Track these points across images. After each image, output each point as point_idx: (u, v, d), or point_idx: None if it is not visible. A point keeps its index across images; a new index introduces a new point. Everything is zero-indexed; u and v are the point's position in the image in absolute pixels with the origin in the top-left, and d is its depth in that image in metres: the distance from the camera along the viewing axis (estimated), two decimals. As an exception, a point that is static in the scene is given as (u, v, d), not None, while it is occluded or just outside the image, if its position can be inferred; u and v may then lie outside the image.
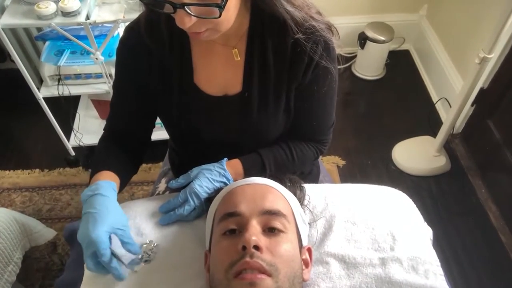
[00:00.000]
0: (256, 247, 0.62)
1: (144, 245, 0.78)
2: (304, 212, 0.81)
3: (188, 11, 0.62)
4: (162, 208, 0.83)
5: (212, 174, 0.82)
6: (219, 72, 0.84)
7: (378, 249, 0.78)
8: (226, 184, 0.82)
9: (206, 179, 0.81)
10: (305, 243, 0.75)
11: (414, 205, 0.90)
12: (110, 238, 0.72)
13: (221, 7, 0.62)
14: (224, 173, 0.83)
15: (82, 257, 0.78)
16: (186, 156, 1.06)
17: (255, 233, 0.63)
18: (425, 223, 0.89)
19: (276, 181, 0.77)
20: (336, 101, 0.92)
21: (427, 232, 0.87)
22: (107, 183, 0.78)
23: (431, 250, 0.80)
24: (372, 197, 0.89)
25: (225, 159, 0.87)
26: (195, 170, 0.84)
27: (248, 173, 0.86)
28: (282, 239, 0.66)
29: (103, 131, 0.96)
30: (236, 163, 0.87)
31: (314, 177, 1.12)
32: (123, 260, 0.73)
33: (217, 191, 0.80)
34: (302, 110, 0.87)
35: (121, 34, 1.13)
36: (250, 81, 0.82)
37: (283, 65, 0.80)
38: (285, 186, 0.78)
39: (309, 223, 0.81)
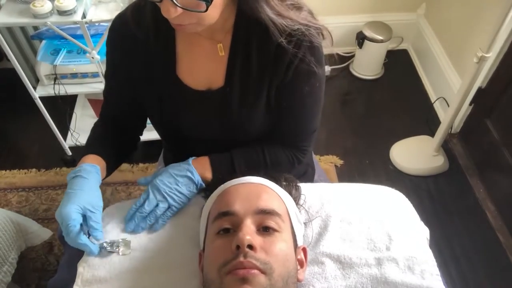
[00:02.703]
0: (250, 247, 0.61)
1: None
2: (300, 211, 0.80)
3: (175, 1, 0.62)
4: (127, 216, 0.81)
5: (175, 169, 0.83)
6: (203, 66, 0.84)
7: (374, 249, 0.78)
8: (190, 179, 0.82)
9: (168, 174, 0.82)
10: (300, 243, 0.74)
11: (411, 204, 0.90)
12: (85, 217, 0.74)
13: (208, 1, 0.62)
14: (188, 167, 0.83)
15: (75, 257, 0.77)
16: (177, 153, 1.06)
17: (249, 232, 0.63)
18: (422, 223, 0.88)
19: (272, 180, 0.77)
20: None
21: (424, 232, 0.86)
22: (91, 166, 0.80)
23: (427, 250, 0.80)
24: (368, 197, 0.89)
25: (193, 157, 0.87)
26: (162, 169, 0.85)
27: (216, 170, 0.86)
28: (276, 239, 0.65)
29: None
30: (204, 160, 0.88)
31: (308, 178, 1.11)
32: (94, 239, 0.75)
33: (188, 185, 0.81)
34: (283, 109, 0.86)
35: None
36: (232, 76, 0.82)
37: (266, 62, 0.80)
38: (281, 185, 0.78)
39: (304, 223, 0.80)
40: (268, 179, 0.77)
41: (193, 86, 0.84)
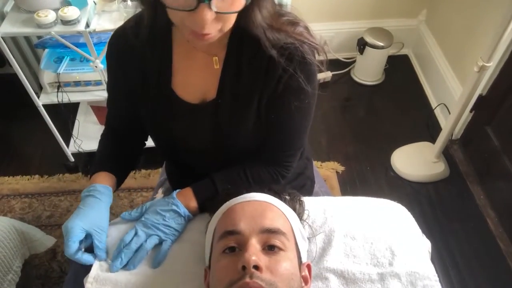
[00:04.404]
0: (256, 267, 0.62)
1: None
2: (303, 227, 0.81)
3: (212, 7, 0.62)
4: (114, 253, 0.79)
5: (160, 205, 0.83)
6: (197, 79, 0.85)
7: (377, 264, 0.79)
8: (176, 212, 0.83)
9: (154, 210, 0.82)
10: (304, 259, 0.75)
11: (413, 218, 0.90)
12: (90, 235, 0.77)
13: None
14: (173, 201, 0.84)
15: (80, 274, 0.79)
16: (175, 165, 1.08)
17: (254, 252, 0.64)
18: (424, 236, 0.89)
19: (275, 196, 0.78)
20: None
21: (426, 246, 0.87)
22: (104, 187, 0.83)
23: (429, 265, 0.80)
24: (371, 211, 0.89)
25: (177, 190, 0.88)
26: (148, 204, 0.86)
27: (199, 196, 0.86)
28: (281, 258, 0.66)
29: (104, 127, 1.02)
30: (187, 191, 0.87)
31: (307, 191, 1.12)
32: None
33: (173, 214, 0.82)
34: (271, 122, 0.86)
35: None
36: (224, 88, 0.83)
37: (258, 75, 0.80)
38: (284, 201, 0.79)
39: (308, 238, 0.81)
40: (272, 194, 0.78)
41: (187, 99, 0.86)
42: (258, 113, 0.84)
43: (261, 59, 0.78)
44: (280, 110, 0.84)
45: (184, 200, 0.85)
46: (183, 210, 0.83)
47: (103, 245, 0.77)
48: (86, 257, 0.76)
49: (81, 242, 0.76)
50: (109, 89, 0.95)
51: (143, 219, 0.82)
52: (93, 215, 0.77)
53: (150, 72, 0.85)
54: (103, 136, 0.99)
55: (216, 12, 0.63)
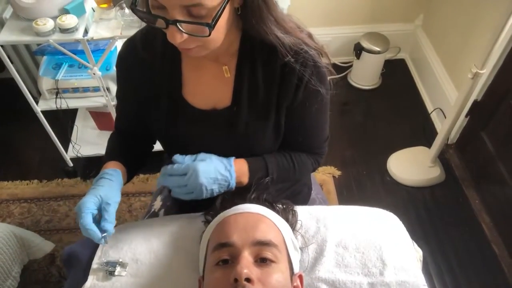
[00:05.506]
0: (248, 279, 0.63)
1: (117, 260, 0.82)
2: (296, 237, 0.82)
3: (180, 28, 0.66)
4: (164, 176, 0.83)
5: (219, 166, 0.83)
6: (209, 87, 0.87)
7: (368, 274, 0.80)
8: (227, 182, 0.83)
9: (212, 166, 0.82)
10: (296, 270, 0.76)
11: (404, 228, 0.92)
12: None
13: (211, 27, 0.66)
14: (229, 168, 0.84)
15: (79, 282, 0.80)
16: None
17: (247, 265, 0.65)
18: (415, 245, 0.91)
19: (269, 207, 0.79)
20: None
21: (417, 255, 0.89)
22: (113, 170, 0.86)
23: (419, 274, 0.82)
24: (363, 220, 0.91)
25: (233, 157, 0.88)
26: (202, 155, 0.85)
27: (252, 176, 0.88)
28: (273, 270, 0.67)
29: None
30: (243, 163, 0.89)
31: (304, 197, 1.14)
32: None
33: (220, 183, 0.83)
34: (295, 128, 0.90)
35: (118, 48, 1.17)
36: (239, 96, 0.85)
37: (273, 84, 0.83)
38: (278, 211, 0.80)
39: (300, 248, 0.83)
40: (266, 205, 0.79)
41: (199, 106, 0.88)
42: (277, 120, 0.87)
43: (274, 66, 0.81)
44: (302, 116, 0.88)
45: (239, 172, 0.86)
46: (233, 183, 0.84)
47: (111, 217, 0.77)
48: (96, 230, 0.74)
49: (94, 219, 0.76)
50: (118, 96, 0.98)
51: (200, 168, 0.80)
52: (103, 189, 0.78)
53: (161, 80, 0.87)
54: (112, 135, 1.02)
55: (186, 33, 0.67)
